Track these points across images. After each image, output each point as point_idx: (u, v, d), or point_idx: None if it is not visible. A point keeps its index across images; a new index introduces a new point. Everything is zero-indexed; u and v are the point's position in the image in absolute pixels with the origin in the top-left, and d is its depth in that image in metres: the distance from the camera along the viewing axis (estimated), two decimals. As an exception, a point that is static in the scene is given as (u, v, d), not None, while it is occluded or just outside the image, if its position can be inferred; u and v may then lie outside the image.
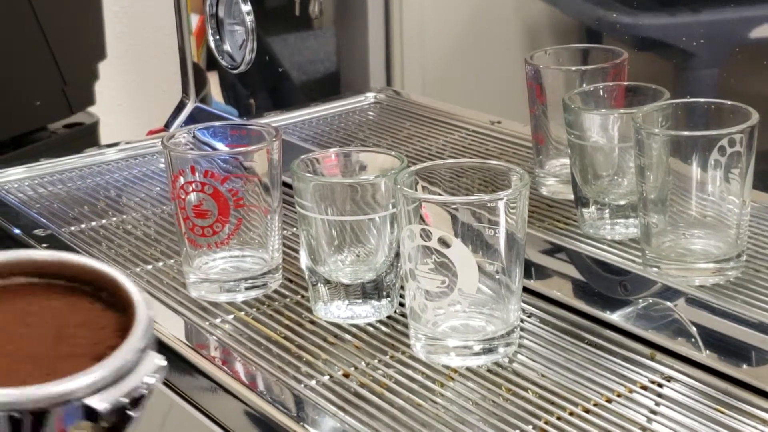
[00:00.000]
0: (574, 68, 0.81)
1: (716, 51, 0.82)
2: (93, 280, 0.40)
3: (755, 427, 0.54)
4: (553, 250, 0.74)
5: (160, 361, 0.36)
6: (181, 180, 0.67)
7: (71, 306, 0.40)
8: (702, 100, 0.68)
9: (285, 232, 0.77)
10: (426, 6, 1.08)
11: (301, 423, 0.57)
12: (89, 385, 0.34)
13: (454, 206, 0.60)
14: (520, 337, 0.64)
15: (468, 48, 1.04)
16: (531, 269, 0.71)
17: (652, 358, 0.61)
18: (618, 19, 0.88)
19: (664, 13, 0.86)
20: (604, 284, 0.69)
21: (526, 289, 0.68)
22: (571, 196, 0.77)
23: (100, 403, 0.34)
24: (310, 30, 1.13)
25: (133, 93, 1.63)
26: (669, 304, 0.65)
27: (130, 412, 0.34)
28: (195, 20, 1.09)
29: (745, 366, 0.59)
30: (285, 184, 0.71)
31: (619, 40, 0.89)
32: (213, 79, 1.11)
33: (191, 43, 1.10)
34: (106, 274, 0.40)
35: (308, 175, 0.66)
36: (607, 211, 0.74)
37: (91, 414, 0.34)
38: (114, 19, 1.57)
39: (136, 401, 0.35)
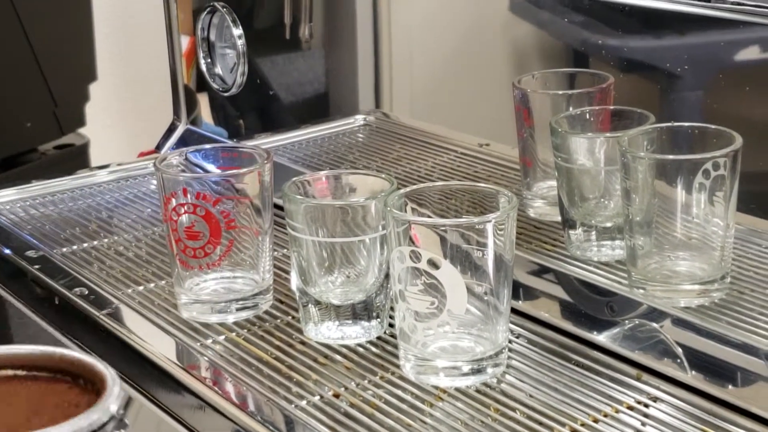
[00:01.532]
0: (561, 92, 0.82)
1: (701, 74, 0.83)
2: (71, 369, 0.48)
3: (740, 447, 0.55)
4: (541, 272, 0.75)
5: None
6: (173, 202, 0.68)
7: (50, 390, 0.47)
8: (686, 124, 0.70)
9: (276, 253, 0.78)
10: (415, 28, 1.09)
11: (292, 443, 0.57)
12: None
13: (443, 228, 0.61)
14: (509, 357, 0.64)
15: (456, 71, 1.05)
16: (519, 290, 0.72)
17: (638, 379, 0.62)
18: (605, 42, 0.90)
19: (650, 36, 0.87)
20: (591, 305, 0.70)
21: (514, 310, 0.69)
22: (559, 218, 0.78)
23: None
24: (300, 52, 1.14)
25: (124, 114, 1.64)
26: (655, 325, 0.66)
27: None
28: (185, 42, 1.10)
29: (730, 387, 0.60)
30: (276, 206, 0.71)
31: (606, 63, 0.90)
32: (203, 100, 1.12)
33: (182, 66, 1.11)
34: (83, 363, 0.48)
35: (299, 197, 0.67)
36: (593, 233, 0.75)
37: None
38: (105, 41, 1.58)
39: None
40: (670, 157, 0.67)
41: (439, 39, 1.06)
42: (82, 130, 1.46)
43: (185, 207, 0.68)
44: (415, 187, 0.65)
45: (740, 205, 0.69)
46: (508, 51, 1.02)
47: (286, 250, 0.79)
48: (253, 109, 1.12)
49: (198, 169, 0.75)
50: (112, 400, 0.45)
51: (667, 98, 0.87)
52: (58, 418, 0.44)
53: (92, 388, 0.47)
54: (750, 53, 0.80)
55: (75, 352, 0.49)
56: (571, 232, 0.76)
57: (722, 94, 0.80)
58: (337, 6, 1.14)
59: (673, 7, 0.80)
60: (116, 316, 0.72)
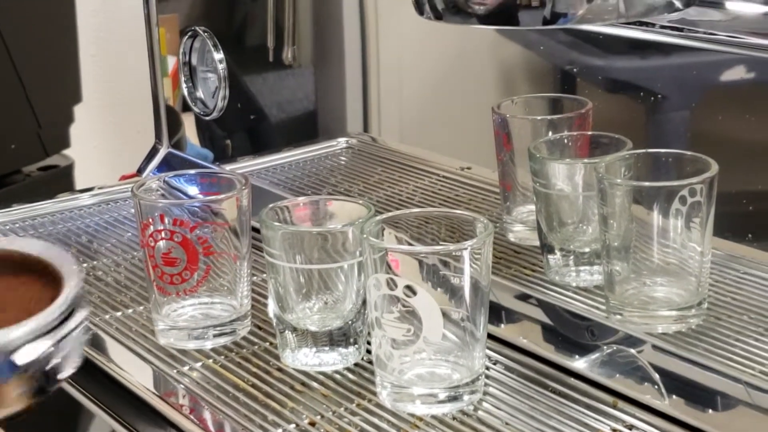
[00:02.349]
0: (539, 117, 0.83)
1: (686, 94, 0.84)
2: (36, 264, 0.48)
3: (714, 475, 0.55)
4: (519, 297, 0.75)
5: (85, 311, 0.39)
6: (151, 228, 0.68)
7: (13, 285, 0.47)
8: (663, 150, 0.70)
9: (255, 278, 0.77)
10: (403, 52, 1.09)
11: (267, 472, 0.57)
12: (13, 339, 0.37)
13: (419, 255, 0.61)
14: (486, 384, 0.64)
15: (439, 94, 1.05)
16: (497, 315, 0.72)
17: (614, 406, 0.62)
18: (590, 63, 0.90)
19: (635, 56, 0.88)
20: (569, 331, 0.70)
21: (492, 336, 0.69)
22: (538, 243, 0.78)
23: (23, 356, 0.37)
24: (288, 74, 1.14)
25: (109, 136, 1.64)
26: (632, 351, 0.66)
27: (55, 369, 0.36)
28: (171, 62, 1.10)
29: (706, 413, 0.60)
30: (255, 230, 0.71)
31: (592, 83, 0.91)
32: (189, 121, 1.12)
33: (164, 88, 1.11)
34: (44, 257, 0.48)
35: (277, 224, 0.67)
36: (572, 258, 0.75)
37: (15, 367, 0.36)
38: (90, 62, 1.58)
39: (61, 365, 0.37)
40: (647, 183, 0.68)
41: (428, 61, 1.07)
42: (66, 152, 1.46)
43: (162, 233, 0.68)
44: (392, 213, 0.65)
45: (718, 230, 0.70)
46: (495, 71, 1.02)
47: (265, 274, 0.78)
48: (236, 132, 1.12)
49: (177, 193, 0.75)
50: (71, 294, 0.44)
51: (653, 118, 0.88)
52: (21, 315, 0.43)
53: (55, 280, 0.46)
54: (736, 73, 0.81)
55: (36, 246, 0.48)
56: (550, 256, 0.76)
57: (708, 114, 0.80)
58: (324, 30, 1.15)
59: (647, 36, 0.81)
60: (93, 342, 0.72)
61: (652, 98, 0.85)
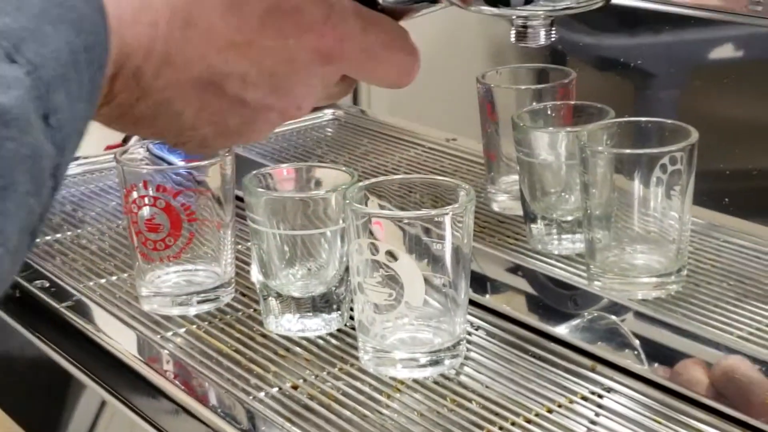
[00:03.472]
0: (523, 87, 0.83)
1: (675, 71, 0.84)
2: None
3: (690, 437, 0.56)
4: (502, 265, 0.75)
5: None
6: (134, 194, 0.68)
7: None
8: (644, 119, 0.70)
9: (239, 246, 0.78)
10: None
11: (249, 434, 0.58)
12: None
13: (401, 220, 0.61)
14: (467, 349, 0.65)
15: (434, 68, 1.05)
16: (480, 283, 0.73)
17: (593, 370, 0.63)
18: (580, 40, 0.90)
19: (624, 33, 0.88)
20: (551, 297, 0.71)
21: (474, 303, 0.70)
22: (521, 212, 0.78)
23: None
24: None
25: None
26: (611, 317, 0.66)
27: None
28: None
29: (682, 377, 0.61)
30: (238, 198, 0.72)
31: (582, 61, 0.91)
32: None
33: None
34: None
35: (260, 189, 0.67)
36: (554, 226, 0.76)
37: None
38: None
39: None
40: (628, 151, 0.68)
41: (414, 35, 1.07)
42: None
43: (145, 199, 0.68)
44: (374, 180, 0.66)
45: (701, 199, 0.70)
46: (485, 47, 1.03)
47: (249, 242, 0.79)
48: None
49: (161, 162, 0.75)
50: None
51: (642, 95, 0.88)
52: None
53: None
54: (724, 51, 0.81)
55: None
56: (533, 225, 0.77)
57: (697, 91, 0.81)
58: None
59: (645, 5, 0.81)
60: (76, 308, 0.72)
61: (640, 74, 0.86)
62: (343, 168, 0.69)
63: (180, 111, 0.40)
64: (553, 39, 0.52)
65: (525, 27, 0.52)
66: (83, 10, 0.35)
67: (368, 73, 0.44)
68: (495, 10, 0.50)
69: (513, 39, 0.52)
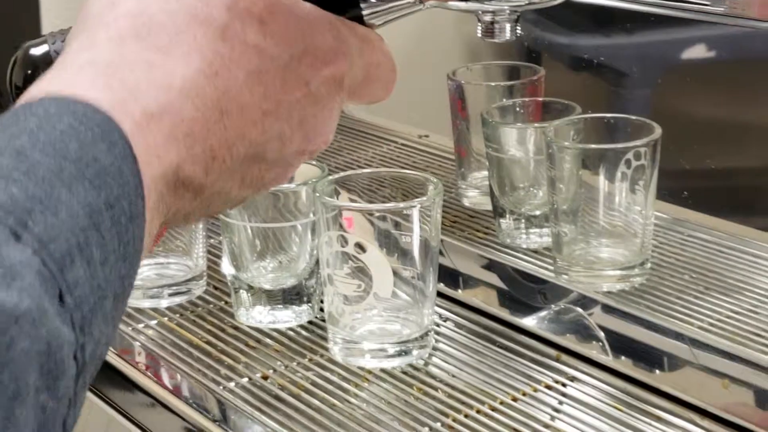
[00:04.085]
0: (493, 84, 0.84)
1: (648, 71, 0.85)
2: None
3: (650, 424, 0.57)
4: (471, 258, 0.76)
5: None
6: (107, 188, 0.69)
7: None
8: (609, 115, 0.72)
9: (211, 240, 0.79)
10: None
11: (218, 423, 0.59)
12: None
13: (370, 213, 0.63)
14: (435, 340, 0.66)
15: (410, 65, 1.07)
16: (449, 276, 0.74)
17: (557, 360, 0.64)
18: (555, 39, 0.92)
19: (599, 33, 0.89)
20: (518, 289, 0.72)
21: (444, 295, 0.71)
22: (491, 207, 0.80)
23: None
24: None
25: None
26: (576, 308, 0.68)
27: None
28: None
29: (644, 367, 0.62)
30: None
31: (557, 60, 0.92)
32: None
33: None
34: None
35: (231, 183, 0.68)
36: (522, 221, 0.77)
37: None
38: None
39: None
40: (593, 146, 0.69)
41: (393, 32, 1.08)
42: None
43: (118, 193, 0.69)
44: (344, 174, 0.67)
45: (666, 195, 0.72)
46: (460, 45, 1.04)
47: (221, 236, 0.79)
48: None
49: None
50: None
51: (616, 94, 0.89)
52: None
53: None
54: (696, 51, 0.83)
55: None
56: (502, 220, 0.78)
57: (669, 91, 0.82)
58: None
59: (619, 4, 0.82)
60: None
61: (613, 73, 0.87)
62: (314, 162, 0.70)
63: (228, 191, 0.39)
64: (518, 35, 0.53)
65: (491, 23, 0.53)
66: (105, 160, 0.32)
67: (363, 94, 0.43)
68: (462, 5, 0.51)
69: (479, 34, 0.53)
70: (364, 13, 0.44)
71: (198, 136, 0.36)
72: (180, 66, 0.36)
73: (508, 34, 0.52)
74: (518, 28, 0.53)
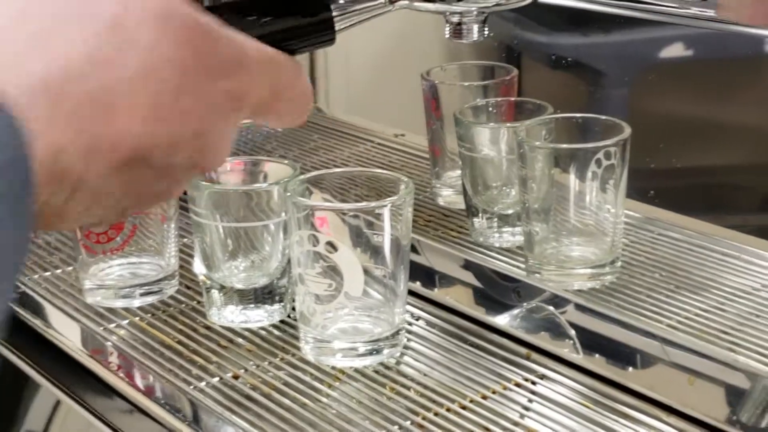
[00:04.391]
0: (466, 84, 0.85)
1: (624, 70, 0.86)
2: None
3: (617, 421, 0.58)
4: (444, 257, 0.77)
5: None
6: (78, 188, 0.69)
7: None
8: (580, 115, 0.72)
9: (184, 239, 0.78)
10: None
11: (188, 423, 0.59)
12: None
13: (342, 212, 0.63)
14: (407, 339, 0.66)
15: (387, 65, 1.07)
16: (421, 275, 0.74)
17: (527, 358, 0.64)
18: (533, 38, 0.92)
19: (578, 33, 0.90)
20: (491, 288, 0.73)
21: (416, 294, 0.71)
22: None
23: None
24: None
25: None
26: (547, 306, 0.68)
27: None
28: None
29: (613, 365, 0.63)
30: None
31: (534, 59, 0.93)
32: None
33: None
34: None
35: (203, 183, 0.68)
36: (495, 220, 0.78)
37: None
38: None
39: None
40: (564, 146, 0.70)
41: (375, 33, 1.08)
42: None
43: (90, 192, 0.69)
44: (316, 173, 0.67)
45: (637, 194, 0.72)
46: (439, 45, 1.04)
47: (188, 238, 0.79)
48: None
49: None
50: None
51: (594, 94, 0.90)
52: None
53: None
54: (673, 50, 0.83)
55: None
56: (475, 219, 0.78)
57: (647, 90, 0.83)
58: None
59: (596, 7, 0.83)
60: (21, 301, 0.73)
61: (591, 73, 0.88)
62: (286, 161, 0.70)
63: (110, 193, 0.37)
64: (485, 35, 0.54)
65: (459, 24, 0.53)
66: None
67: (269, 114, 0.42)
68: (430, 6, 0.52)
69: (447, 35, 0.53)
70: (334, 14, 0.44)
71: (83, 121, 0.34)
72: (65, 48, 0.34)
73: (475, 35, 0.52)
74: (486, 29, 0.53)
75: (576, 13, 0.87)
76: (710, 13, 0.74)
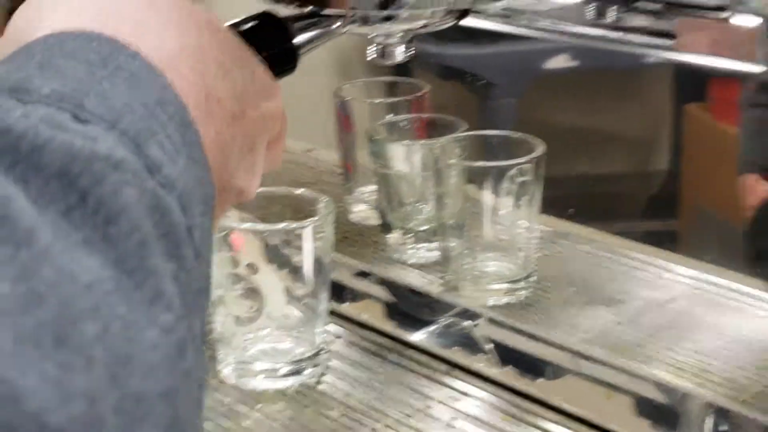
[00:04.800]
0: (378, 101, 0.85)
1: (515, 81, 0.88)
2: None
3: (539, 435, 0.59)
4: (361, 274, 0.77)
5: None
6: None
7: None
8: (494, 132, 0.74)
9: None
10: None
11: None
12: None
13: (263, 233, 0.62)
14: (329, 359, 0.66)
15: (291, 81, 1.06)
16: (339, 293, 0.74)
17: (448, 375, 0.65)
18: (425, 49, 0.93)
19: (467, 44, 0.91)
20: (409, 305, 0.73)
21: (335, 313, 0.71)
22: (379, 222, 0.80)
23: None
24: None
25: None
26: (466, 323, 0.69)
27: None
28: None
29: (533, 379, 0.64)
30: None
31: (427, 70, 0.94)
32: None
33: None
34: None
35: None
36: (411, 236, 0.78)
37: None
38: None
39: None
40: (479, 163, 0.71)
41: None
42: None
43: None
44: (234, 193, 0.66)
45: (547, 208, 0.74)
46: (332, 59, 1.04)
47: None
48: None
49: None
50: None
51: (484, 103, 0.92)
52: None
53: None
54: (559, 61, 0.85)
55: None
56: (390, 235, 0.79)
57: (534, 100, 0.85)
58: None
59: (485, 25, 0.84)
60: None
61: (483, 84, 0.89)
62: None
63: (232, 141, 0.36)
64: (410, 56, 0.54)
65: (384, 45, 0.54)
66: (130, 66, 0.30)
67: (270, 151, 0.42)
68: (357, 28, 0.52)
69: (372, 56, 0.54)
70: (296, 43, 0.44)
71: (204, 77, 0.34)
72: (166, 31, 0.33)
73: (400, 57, 0.53)
74: (412, 48, 0.54)
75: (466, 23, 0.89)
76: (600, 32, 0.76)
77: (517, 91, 0.89)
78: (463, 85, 0.92)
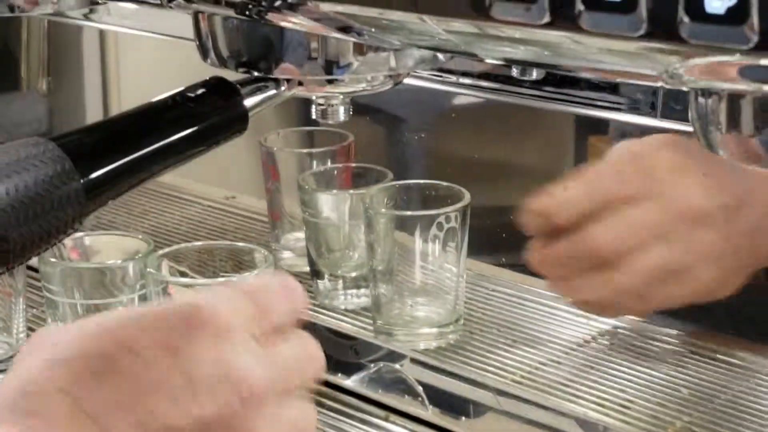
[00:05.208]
0: (305, 151, 0.88)
1: (423, 116, 0.91)
2: None
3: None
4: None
5: None
6: None
7: None
8: (422, 181, 0.77)
9: (34, 310, 0.76)
10: (144, 74, 1.11)
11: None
12: None
13: (201, 287, 0.64)
14: (267, 406, 0.68)
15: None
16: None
17: (386, 419, 0.68)
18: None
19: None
20: (340, 351, 0.75)
21: (269, 360, 0.73)
22: (307, 269, 0.82)
23: None
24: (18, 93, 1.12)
25: None
26: (398, 367, 0.72)
27: None
28: None
29: (463, 419, 0.67)
30: (30, 267, 0.71)
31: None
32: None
33: None
34: None
35: (54, 260, 0.67)
36: (340, 282, 0.81)
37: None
38: None
39: None
40: (408, 213, 0.74)
41: (172, 84, 1.08)
42: None
43: (-68, 273, 0.66)
44: (174, 247, 0.67)
45: (470, 251, 0.77)
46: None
47: (42, 308, 0.77)
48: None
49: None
50: None
51: (393, 139, 0.94)
52: None
53: None
54: (466, 97, 0.89)
55: None
56: (320, 282, 0.81)
57: (442, 135, 0.88)
58: (64, 59, 1.14)
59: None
60: None
61: (394, 122, 0.92)
62: (140, 236, 0.70)
63: None
64: (350, 114, 0.57)
65: (325, 106, 0.56)
66: None
67: None
68: (299, 91, 0.54)
69: (314, 116, 0.56)
70: (247, 104, 0.46)
71: None
72: None
73: (341, 116, 0.55)
74: (351, 108, 0.56)
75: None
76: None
77: (425, 125, 0.92)
78: (370, 121, 0.95)
